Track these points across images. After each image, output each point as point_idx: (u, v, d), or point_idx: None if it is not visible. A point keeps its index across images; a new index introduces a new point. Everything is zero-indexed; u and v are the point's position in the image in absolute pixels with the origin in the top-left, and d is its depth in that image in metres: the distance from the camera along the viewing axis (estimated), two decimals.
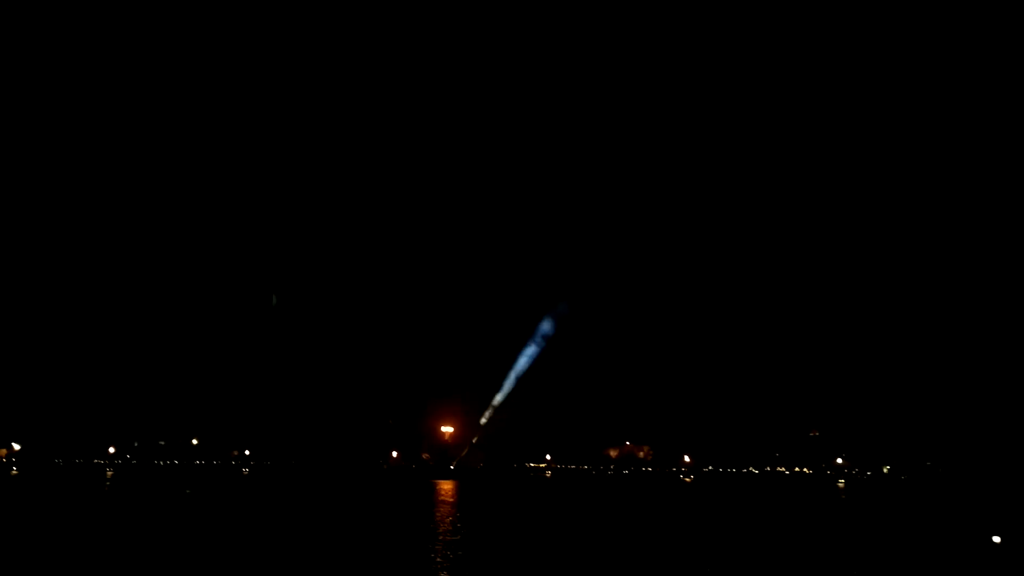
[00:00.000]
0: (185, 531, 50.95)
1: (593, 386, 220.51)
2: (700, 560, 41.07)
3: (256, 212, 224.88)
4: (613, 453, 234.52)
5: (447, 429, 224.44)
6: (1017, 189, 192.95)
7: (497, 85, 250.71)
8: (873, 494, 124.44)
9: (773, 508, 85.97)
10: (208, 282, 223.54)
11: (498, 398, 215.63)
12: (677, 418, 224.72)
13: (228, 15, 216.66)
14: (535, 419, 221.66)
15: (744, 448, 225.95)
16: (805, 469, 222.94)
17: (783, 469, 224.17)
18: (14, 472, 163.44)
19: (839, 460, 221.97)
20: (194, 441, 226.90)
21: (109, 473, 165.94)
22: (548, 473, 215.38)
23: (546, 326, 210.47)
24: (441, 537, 49.41)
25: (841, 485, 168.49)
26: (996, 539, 47.30)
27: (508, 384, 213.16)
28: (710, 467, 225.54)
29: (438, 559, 39.74)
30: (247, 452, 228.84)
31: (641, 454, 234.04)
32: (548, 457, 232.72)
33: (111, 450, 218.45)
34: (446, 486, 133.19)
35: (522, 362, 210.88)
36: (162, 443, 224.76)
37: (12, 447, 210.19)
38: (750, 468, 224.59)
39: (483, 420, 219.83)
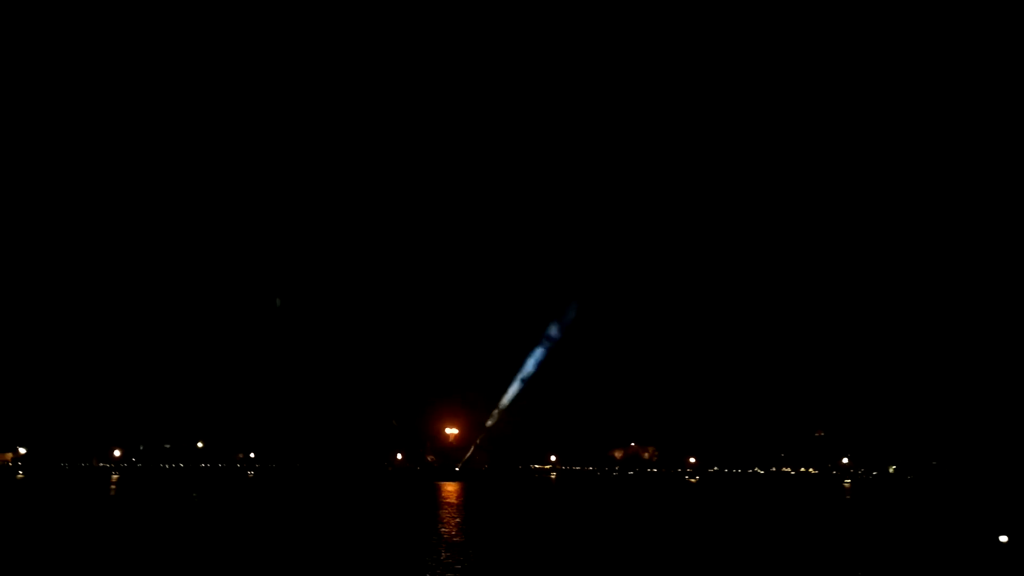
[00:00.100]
0: (193, 535, 51.00)
1: (598, 387, 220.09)
2: (706, 562, 41.01)
3: (261, 216, 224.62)
4: (618, 454, 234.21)
5: (452, 431, 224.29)
6: (1019, 189, 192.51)
7: (505, 86, 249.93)
8: (879, 494, 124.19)
9: (779, 508, 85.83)
10: (212, 285, 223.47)
11: (503, 399, 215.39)
12: (682, 419, 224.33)
13: (230, 15, 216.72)
14: (540, 420, 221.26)
15: (749, 448, 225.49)
16: (811, 469, 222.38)
17: (788, 469, 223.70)
18: (20, 476, 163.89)
19: (845, 460, 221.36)
20: (199, 444, 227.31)
21: (115, 476, 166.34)
22: (553, 475, 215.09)
23: (552, 327, 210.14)
24: (445, 539, 49.38)
25: (847, 485, 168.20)
26: (1003, 538, 47.17)
27: (513, 385, 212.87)
28: (715, 468, 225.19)
29: (443, 561, 39.68)
30: (252, 455, 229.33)
31: (646, 455, 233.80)
32: (553, 458, 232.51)
33: (117, 453, 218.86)
34: (451, 488, 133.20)
35: (527, 363, 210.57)
36: (167, 446, 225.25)
37: (18, 451, 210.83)
38: (755, 469, 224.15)
39: (488, 422, 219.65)
